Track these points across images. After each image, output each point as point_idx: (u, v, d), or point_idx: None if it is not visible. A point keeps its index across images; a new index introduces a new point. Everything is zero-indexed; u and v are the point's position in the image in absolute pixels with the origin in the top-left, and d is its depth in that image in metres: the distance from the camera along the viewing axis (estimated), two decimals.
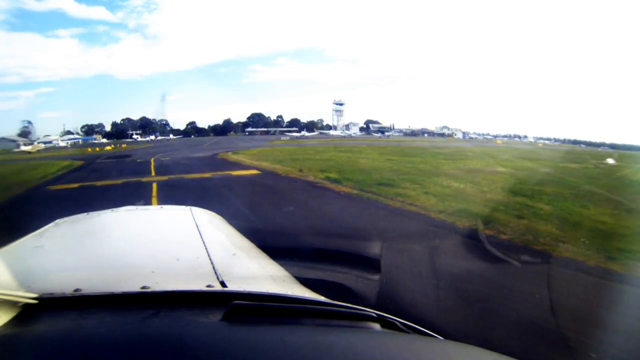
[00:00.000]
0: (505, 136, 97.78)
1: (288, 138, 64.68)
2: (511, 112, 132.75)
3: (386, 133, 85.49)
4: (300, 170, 16.25)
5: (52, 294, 1.07)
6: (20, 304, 0.99)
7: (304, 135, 72.08)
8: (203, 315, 0.99)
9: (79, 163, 25.57)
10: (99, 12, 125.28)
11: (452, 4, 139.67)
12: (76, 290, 1.10)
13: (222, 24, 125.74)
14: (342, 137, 73.58)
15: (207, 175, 15.81)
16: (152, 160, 24.26)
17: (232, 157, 24.92)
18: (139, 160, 25.30)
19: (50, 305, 1.03)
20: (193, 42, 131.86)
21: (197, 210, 2.43)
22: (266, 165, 19.19)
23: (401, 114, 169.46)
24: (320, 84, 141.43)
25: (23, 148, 52.96)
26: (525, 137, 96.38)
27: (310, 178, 14.40)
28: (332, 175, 14.77)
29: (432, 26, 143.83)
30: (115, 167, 22.14)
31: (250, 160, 22.23)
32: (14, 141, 61.90)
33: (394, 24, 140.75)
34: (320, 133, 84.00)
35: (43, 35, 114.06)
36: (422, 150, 34.06)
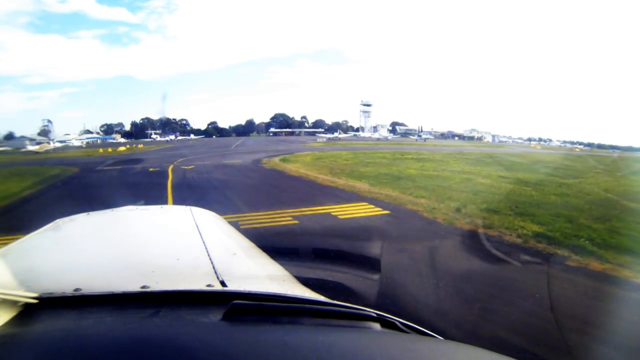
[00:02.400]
0: (528, 139, 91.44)
1: (325, 140, 56.54)
2: (535, 115, 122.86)
3: (423, 136, 76.62)
4: (458, 211, 7.83)
5: (52, 293, 1.02)
6: (20, 304, 0.95)
7: (337, 137, 63.92)
8: (203, 315, 0.94)
9: (71, 172, 17.80)
10: (119, 13, 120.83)
11: (475, 7, 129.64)
12: (76, 290, 1.05)
13: (241, 25, 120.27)
14: (378, 139, 65.08)
15: (287, 218, 7.26)
16: (169, 171, 15.94)
17: (289, 167, 16.41)
18: (151, 170, 17.01)
19: (50, 305, 0.98)
20: (213, 43, 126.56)
21: (197, 210, 2.32)
22: (364, 187, 10.65)
23: (424, 116, 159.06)
24: (341, 85, 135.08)
25: (30, 148, 46.54)
26: (550, 140, 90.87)
27: (514, 238, 6.02)
28: (532, 227, 6.90)
29: (453, 28, 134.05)
30: (113, 182, 14.03)
31: (322, 174, 13.70)
32: (32, 139, 59.77)
33: (415, 25, 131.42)
34: (354, 135, 75.38)
35: (65, 37, 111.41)
36: (511, 161, 25.57)
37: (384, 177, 12.97)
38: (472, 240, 6.25)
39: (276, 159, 20.89)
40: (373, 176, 13.20)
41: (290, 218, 7.23)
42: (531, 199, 10.05)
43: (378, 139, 65.45)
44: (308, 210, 7.84)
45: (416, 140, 67.17)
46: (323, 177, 12.92)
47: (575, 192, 11.91)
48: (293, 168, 15.98)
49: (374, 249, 5.40)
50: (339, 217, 7.41)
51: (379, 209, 8.13)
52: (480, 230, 6.75)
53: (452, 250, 5.87)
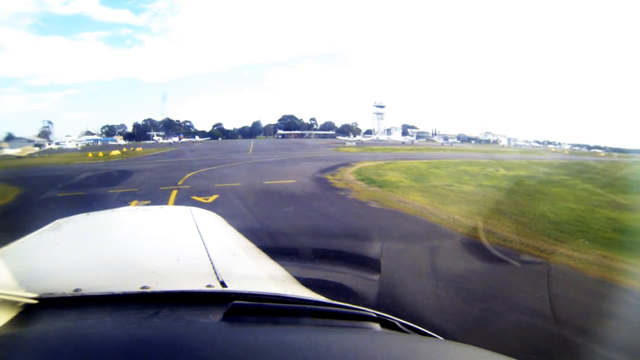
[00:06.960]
0: (536, 142, 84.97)
1: (354, 144, 48.16)
2: (544, 117, 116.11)
3: (449, 140, 68.31)
4: None
5: (52, 294, 0.99)
6: (21, 304, 0.92)
7: (360, 141, 55.76)
8: (203, 315, 0.91)
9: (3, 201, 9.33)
10: (123, 16, 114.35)
11: (482, 9, 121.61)
12: (76, 290, 1.02)
13: (245, 27, 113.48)
14: (403, 143, 57.11)
15: None
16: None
17: (419, 206, 7.98)
18: (134, 205, 8.26)
19: (50, 305, 0.95)
20: (216, 45, 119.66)
21: (197, 211, 2.24)
22: None
23: (434, 119, 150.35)
24: (348, 87, 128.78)
25: (8, 152, 37.29)
26: (559, 144, 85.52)
27: None
28: None
29: (462, 29, 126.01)
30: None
31: (527, 236, 5.10)
32: (30, 141, 56.19)
33: (420, 27, 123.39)
34: (376, 139, 67.07)
35: (69, 39, 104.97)
36: None
37: None
38: None
39: (348, 177, 12.67)
40: None
41: None
42: None
43: (403, 143, 57.59)
44: None
45: (442, 144, 58.73)
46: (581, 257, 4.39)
47: None
48: (432, 210, 7.59)
49: None
50: None
51: None
52: None
53: None
